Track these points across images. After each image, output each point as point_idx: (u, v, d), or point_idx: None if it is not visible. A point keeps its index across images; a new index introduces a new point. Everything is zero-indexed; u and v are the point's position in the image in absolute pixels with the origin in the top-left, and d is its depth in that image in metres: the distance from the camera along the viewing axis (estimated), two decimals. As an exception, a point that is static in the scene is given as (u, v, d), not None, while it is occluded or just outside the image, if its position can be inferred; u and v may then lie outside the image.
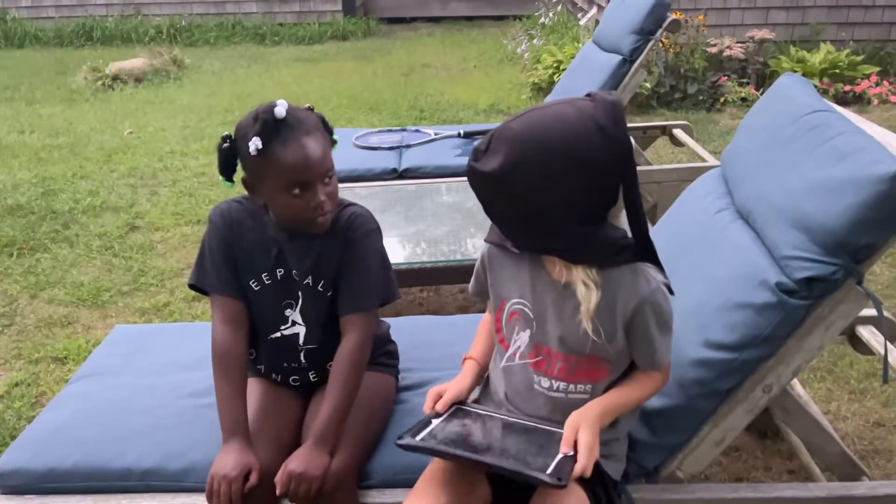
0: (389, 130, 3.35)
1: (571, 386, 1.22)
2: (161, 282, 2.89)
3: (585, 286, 1.14)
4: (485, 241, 1.28)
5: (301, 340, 1.43)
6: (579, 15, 6.24)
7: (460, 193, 2.69)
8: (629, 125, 3.61)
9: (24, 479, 1.41)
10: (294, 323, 1.43)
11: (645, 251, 1.17)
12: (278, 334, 1.43)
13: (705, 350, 1.33)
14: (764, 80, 5.16)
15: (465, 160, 2.94)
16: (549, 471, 1.09)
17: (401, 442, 1.16)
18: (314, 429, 1.31)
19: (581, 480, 1.13)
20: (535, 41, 5.93)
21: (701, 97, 5.01)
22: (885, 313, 1.35)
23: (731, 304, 1.33)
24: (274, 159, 1.27)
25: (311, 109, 1.38)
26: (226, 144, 1.33)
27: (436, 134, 3.21)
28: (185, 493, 1.39)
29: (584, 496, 1.15)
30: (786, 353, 1.29)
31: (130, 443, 1.44)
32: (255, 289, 1.41)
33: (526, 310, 1.22)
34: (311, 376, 1.47)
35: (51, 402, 1.62)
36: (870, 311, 1.43)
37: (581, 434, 1.13)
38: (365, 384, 1.38)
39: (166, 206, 3.58)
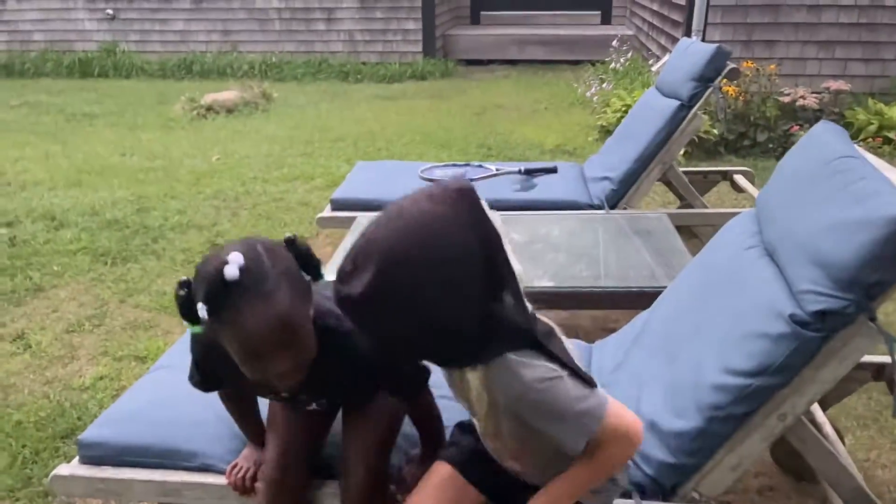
0: (454, 165, 3.53)
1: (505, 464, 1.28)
2: (235, 295, 3.12)
3: (476, 390, 1.16)
4: None
5: (313, 407, 1.47)
6: (651, 61, 6.34)
7: (515, 226, 2.81)
8: (693, 169, 3.69)
9: (103, 451, 1.60)
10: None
11: (518, 337, 1.09)
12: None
13: (724, 375, 1.41)
14: (838, 130, 5.09)
15: (523, 195, 3.11)
16: None
17: None
18: None
19: None
20: (605, 85, 6.05)
21: (771, 145, 5.00)
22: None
23: (750, 333, 1.41)
24: (224, 330, 1.11)
25: (291, 242, 1.20)
26: (182, 292, 1.14)
27: (497, 170, 3.36)
28: (239, 475, 1.55)
29: None
30: (800, 383, 1.35)
31: (196, 429, 1.61)
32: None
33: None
34: (316, 407, 1.48)
35: (131, 387, 1.82)
36: None
37: None
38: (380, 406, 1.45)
39: (245, 226, 3.86)
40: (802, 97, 5.14)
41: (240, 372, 1.18)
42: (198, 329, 1.15)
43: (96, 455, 1.60)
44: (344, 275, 1.01)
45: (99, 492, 1.64)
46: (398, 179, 3.23)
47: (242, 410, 1.51)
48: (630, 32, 8.22)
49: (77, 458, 1.62)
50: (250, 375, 1.17)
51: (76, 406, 2.34)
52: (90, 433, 1.63)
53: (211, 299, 1.08)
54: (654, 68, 5.82)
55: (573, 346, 1.22)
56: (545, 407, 1.10)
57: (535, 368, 1.09)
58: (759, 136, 5.02)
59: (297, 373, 1.19)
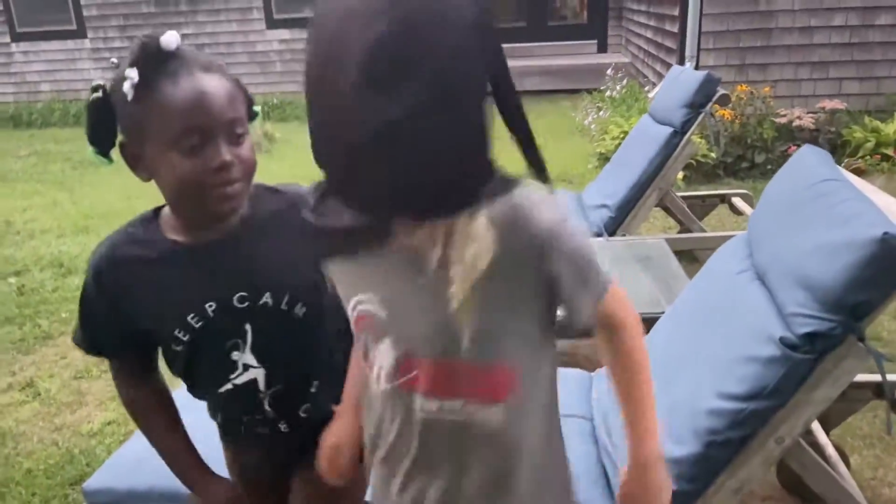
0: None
1: (467, 406, 0.88)
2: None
3: (478, 242, 0.78)
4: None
5: (261, 385, 1.12)
6: (647, 88, 6.42)
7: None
8: (691, 193, 3.72)
9: (109, 497, 1.62)
10: (247, 367, 1.10)
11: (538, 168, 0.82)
12: (229, 385, 1.11)
13: (718, 400, 1.42)
14: (836, 149, 5.13)
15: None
16: None
17: None
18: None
19: None
20: (601, 113, 6.12)
21: (769, 166, 5.02)
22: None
23: (742, 357, 1.42)
24: (158, 99, 0.95)
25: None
26: (97, 94, 0.99)
27: (496, 202, 3.40)
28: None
29: None
30: (795, 405, 1.36)
31: (200, 470, 1.64)
32: (185, 339, 1.07)
33: (373, 308, 0.88)
34: (281, 427, 1.17)
35: (134, 434, 1.84)
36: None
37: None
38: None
39: (249, 266, 3.89)
40: (799, 118, 5.19)
41: (169, 304, 1.05)
42: (108, 162, 1.05)
43: (103, 502, 1.62)
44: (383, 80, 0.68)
45: (107, 538, 1.65)
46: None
47: (162, 437, 1.21)
48: (626, 60, 8.32)
49: (84, 504, 1.64)
50: (180, 171, 0.96)
51: (85, 452, 2.36)
52: (95, 480, 1.65)
53: (143, 64, 0.94)
54: (649, 95, 5.90)
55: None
56: (576, 241, 0.86)
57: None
58: (757, 157, 5.06)
59: (239, 168, 0.98)
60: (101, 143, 1.03)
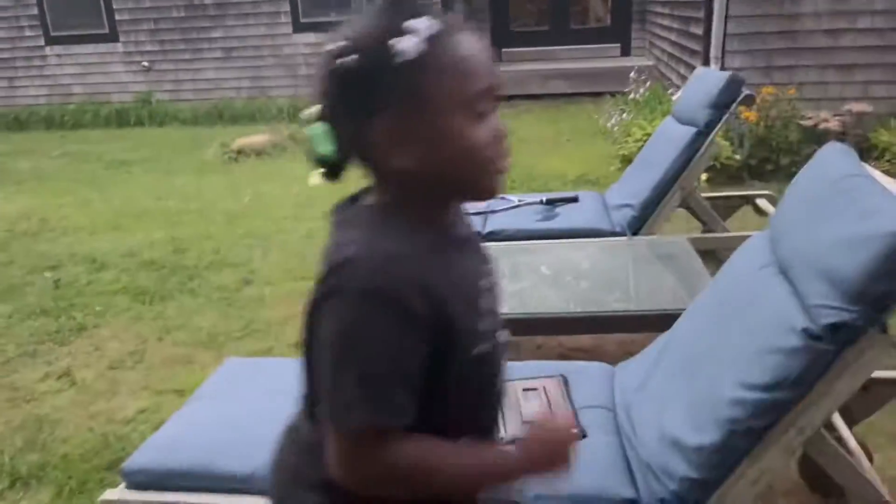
0: (478, 198, 3.61)
1: None
2: (268, 329, 3.22)
3: None
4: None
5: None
6: (670, 91, 6.41)
7: (538, 254, 2.88)
8: (715, 194, 3.73)
9: (146, 476, 1.68)
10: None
11: None
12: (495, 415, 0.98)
13: (740, 390, 1.44)
14: (862, 152, 5.09)
15: (545, 224, 3.17)
16: None
17: None
18: None
19: None
20: (625, 116, 6.13)
21: (794, 169, 4.97)
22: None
23: (764, 348, 1.45)
24: (450, 56, 0.81)
25: None
26: (349, 58, 0.81)
27: (519, 201, 3.44)
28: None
29: None
30: (816, 396, 1.38)
31: (233, 453, 1.69)
32: (477, 354, 0.88)
33: None
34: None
35: (171, 417, 1.91)
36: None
37: None
38: None
39: (277, 263, 3.97)
40: (825, 120, 5.16)
41: (472, 309, 0.86)
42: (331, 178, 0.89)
43: (141, 481, 1.68)
44: None
45: (145, 515, 1.72)
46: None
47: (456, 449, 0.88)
48: (650, 63, 8.32)
49: (122, 484, 1.70)
50: (466, 141, 0.82)
51: (119, 438, 2.43)
52: (134, 460, 1.72)
53: (423, 23, 0.80)
54: (673, 97, 5.90)
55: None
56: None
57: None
58: (783, 160, 5.04)
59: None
60: (345, 120, 0.83)
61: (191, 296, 3.61)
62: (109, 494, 1.67)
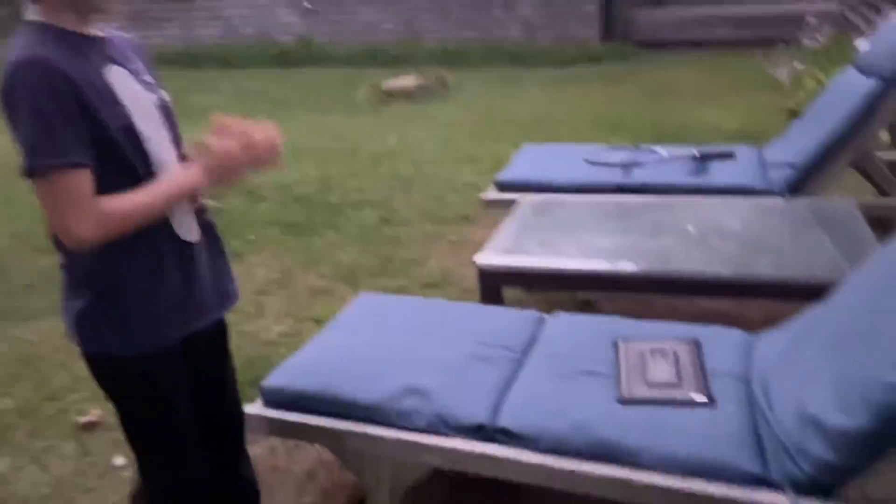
0: (622, 148, 3.46)
1: None
2: (403, 268, 3.32)
3: None
4: None
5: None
6: (856, 39, 5.74)
7: (685, 211, 2.72)
8: (892, 156, 3.32)
9: (282, 396, 1.80)
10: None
11: None
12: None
13: (897, 374, 1.30)
14: None
15: (695, 180, 3.00)
16: None
17: None
18: None
19: None
20: (797, 66, 5.59)
21: None
22: None
23: (931, 330, 1.29)
24: None
25: None
26: None
27: (669, 154, 3.26)
28: (394, 429, 1.67)
29: None
30: None
31: (358, 383, 1.76)
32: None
33: None
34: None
35: (307, 343, 2.03)
36: None
37: None
38: None
39: (415, 205, 4.06)
40: None
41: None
42: None
43: (276, 399, 1.81)
44: None
45: (278, 430, 1.85)
46: (562, 162, 3.23)
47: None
48: (832, 7, 7.48)
49: (259, 400, 1.83)
50: None
51: (263, 358, 2.63)
52: (271, 380, 1.84)
53: None
54: (858, 46, 5.28)
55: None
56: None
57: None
58: None
59: None
60: None
61: (334, 231, 3.78)
62: (248, 409, 1.81)
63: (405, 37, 8.94)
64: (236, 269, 3.52)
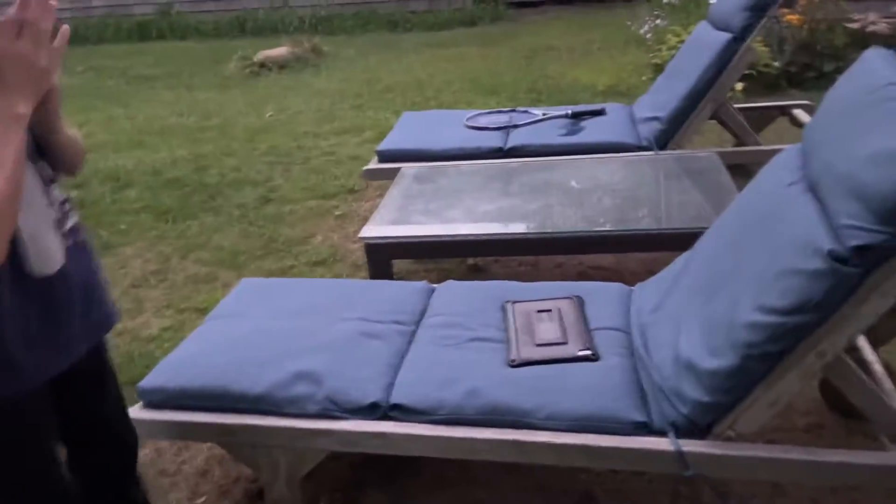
0: (499, 111, 3.49)
1: None
2: (288, 248, 3.22)
3: None
4: None
5: None
6: (711, -7, 6.04)
7: (562, 170, 2.79)
8: (748, 105, 3.55)
9: (161, 396, 1.70)
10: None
11: None
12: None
13: (758, 314, 1.39)
14: (914, 56, 4.78)
15: (570, 139, 3.06)
16: None
17: None
18: None
19: None
20: (659, 22, 5.82)
21: (838, 76, 4.72)
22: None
23: (786, 270, 1.38)
24: None
25: None
26: None
27: (544, 114, 3.31)
28: (286, 417, 1.62)
29: None
30: (840, 320, 1.32)
31: (244, 373, 1.69)
32: None
33: None
34: None
35: (187, 337, 1.93)
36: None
37: None
38: None
39: (297, 181, 3.94)
40: (873, 23, 4.83)
41: None
42: None
43: (157, 400, 1.71)
44: None
45: (162, 433, 1.76)
46: (443, 129, 3.22)
47: None
48: (689, -37, 7.81)
49: (139, 403, 1.73)
50: None
51: (143, 355, 2.48)
52: (149, 380, 1.74)
53: None
54: (712, 1, 5.56)
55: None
56: None
57: None
58: (826, 66, 4.75)
59: None
60: None
61: (213, 214, 3.61)
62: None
63: (274, 4, 8.58)
64: (108, 263, 3.31)
